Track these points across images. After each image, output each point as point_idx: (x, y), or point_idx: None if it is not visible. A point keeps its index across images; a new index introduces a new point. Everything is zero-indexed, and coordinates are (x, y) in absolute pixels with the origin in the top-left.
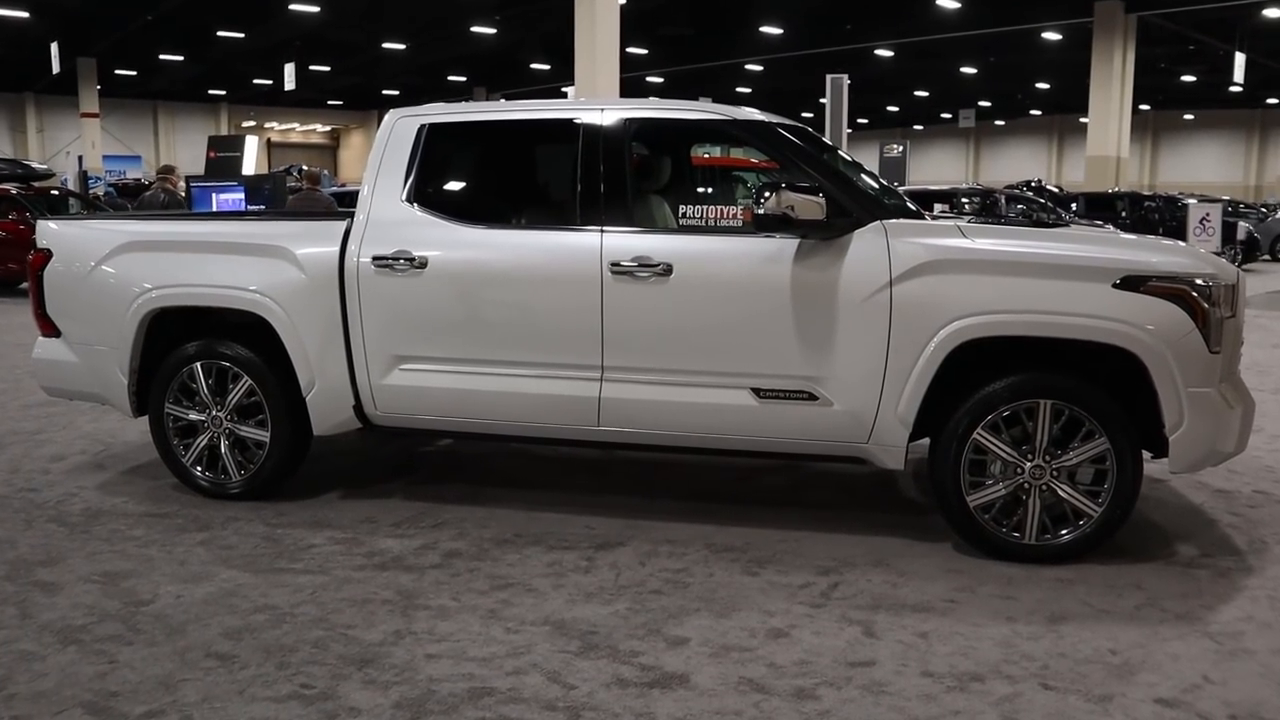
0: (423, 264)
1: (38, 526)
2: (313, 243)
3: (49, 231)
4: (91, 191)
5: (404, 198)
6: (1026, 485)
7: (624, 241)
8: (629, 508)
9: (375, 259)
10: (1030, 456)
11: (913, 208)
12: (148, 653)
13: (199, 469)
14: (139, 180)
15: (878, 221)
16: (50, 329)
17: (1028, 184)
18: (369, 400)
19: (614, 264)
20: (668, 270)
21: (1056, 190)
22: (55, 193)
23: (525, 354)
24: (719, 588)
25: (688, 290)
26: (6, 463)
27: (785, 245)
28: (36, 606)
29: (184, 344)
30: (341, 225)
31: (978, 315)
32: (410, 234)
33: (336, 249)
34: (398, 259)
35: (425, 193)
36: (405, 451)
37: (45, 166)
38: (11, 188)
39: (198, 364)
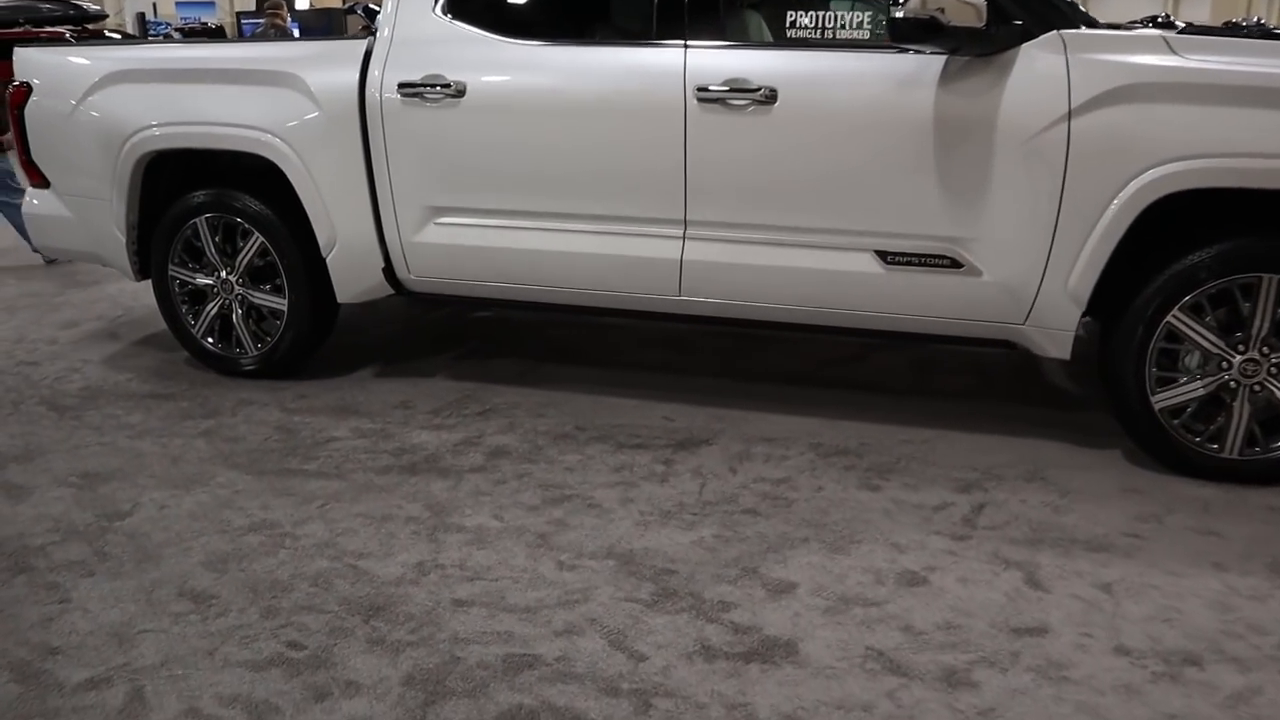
0: (460, 91)
1: (25, 410)
2: (327, 68)
3: (28, 61)
4: (152, 37)
5: (437, 7)
6: (1233, 384)
7: (714, 60)
8: (715, 393)
9: (402, 86)
10: (1242, 348)
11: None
12: (109, 588)
13: (210, 341)
14: (207, 24)
15: (1054, 32)
16: (39, 178)
17: (1152, 19)
18: (400, 262)
19: (701, 89)
20: (770, 97)
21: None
22: (115, 35)
23: (588, 205)
24: (831, 507)
25: (796, 123)
26: (13, 329)
27: (927, 64)
28: None
29: (187, 194)
30: (361, 46)
31: (1190, 159)
32: (445, 54)
33: (355, 75)
34: (430, 86)
35: (463, 1)
36: (453, 318)
37: (98, 8)
38: (65, 30)
39: (201, 219)
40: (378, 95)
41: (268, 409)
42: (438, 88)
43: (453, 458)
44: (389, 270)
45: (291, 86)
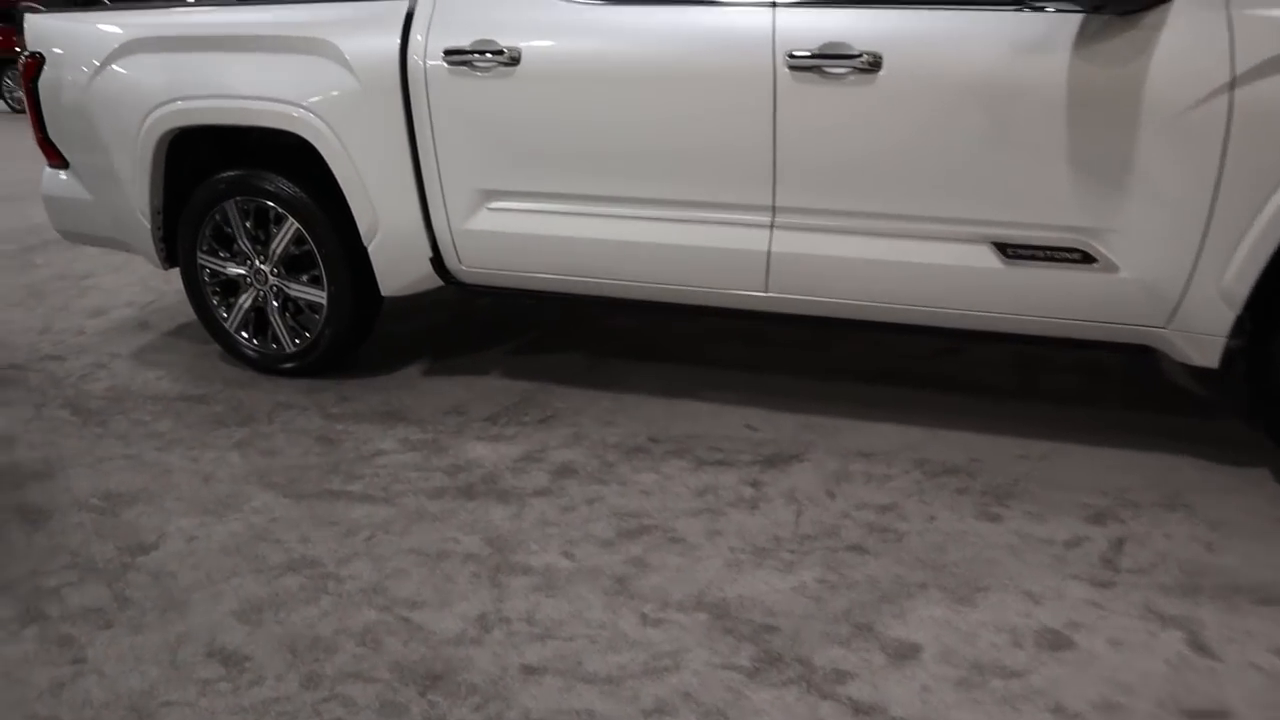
0: (514, 58)
1: (47, 415)
2: (364, 33)
3: (40, 30)
4: None
5: None
6: None
7: (808, 21)
8: (798, 395)
9: (449, 53)
10: None
11: None
12: (129, 645)
13: (244, 335)
14: None
15: None
16: (56, 157)
17: None
18: (450, 251)
19: (792, 55)
20: (874, 64)
21: None
22: None
23: (660, 189)
24: (948, 542)
25: (904, 94)
26: (40, 318)
27: (1061, 24)
28: (6, 551)
29: (214, 175)
30: (403, 7)
31: None
32: (497, 16)
33: (395, 41)
34: (479, 53)
35: None
36: (506, 304)
37: None
38: None
39: (231, 203)
40: (421, 63)
41: (307, 414)
42: (489, 55)
43: (513, 477)
44: (437, 260)
45: (325, 54)
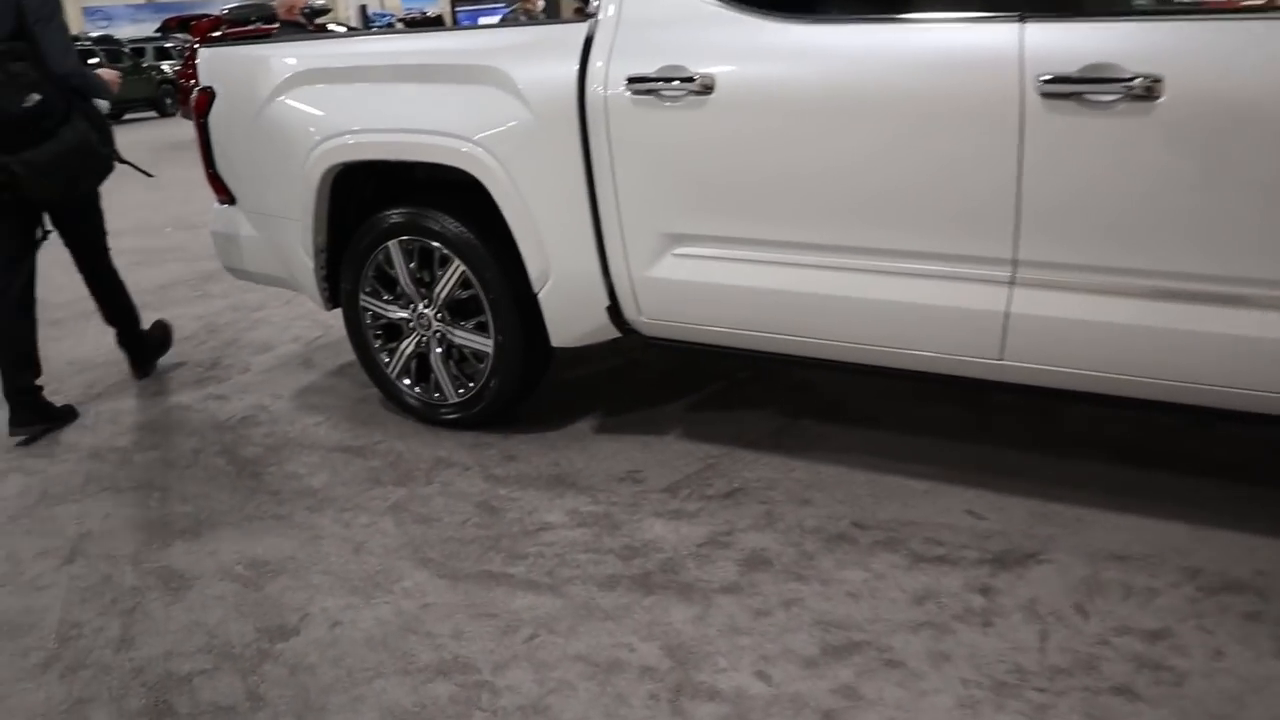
0: (706, 86)
1: (204, 462)
2: (537, 60)
3: (212, 63)
4: (375, 28)
5: None
6: None
7: (1065, 38)
8: (1028, 474)
9: (633, 81)
10: None
11: None
12: None
13: (406, 382)
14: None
15: None
16: (224, 193)
17: None
18: (629, 300)
19: (1046, 79)
20: (1151, 89)
21: None
22: (339, 28)
23: (875, 237)
24: (1245, 693)
25: (1191, 124)
26: (209, 352)
27: None
28: (144, 625)
29: (379, 214)
30: (580, 31)
31: None
32: (687, 37)
33: (573, 69)
34: (667, 80)
35: None
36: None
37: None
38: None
39: (394, 243)
40: (601, 93)
41: (469, 475)
42: (677, 82)
43: (697, 567)
44: (615, 310)
45: (495, 84)
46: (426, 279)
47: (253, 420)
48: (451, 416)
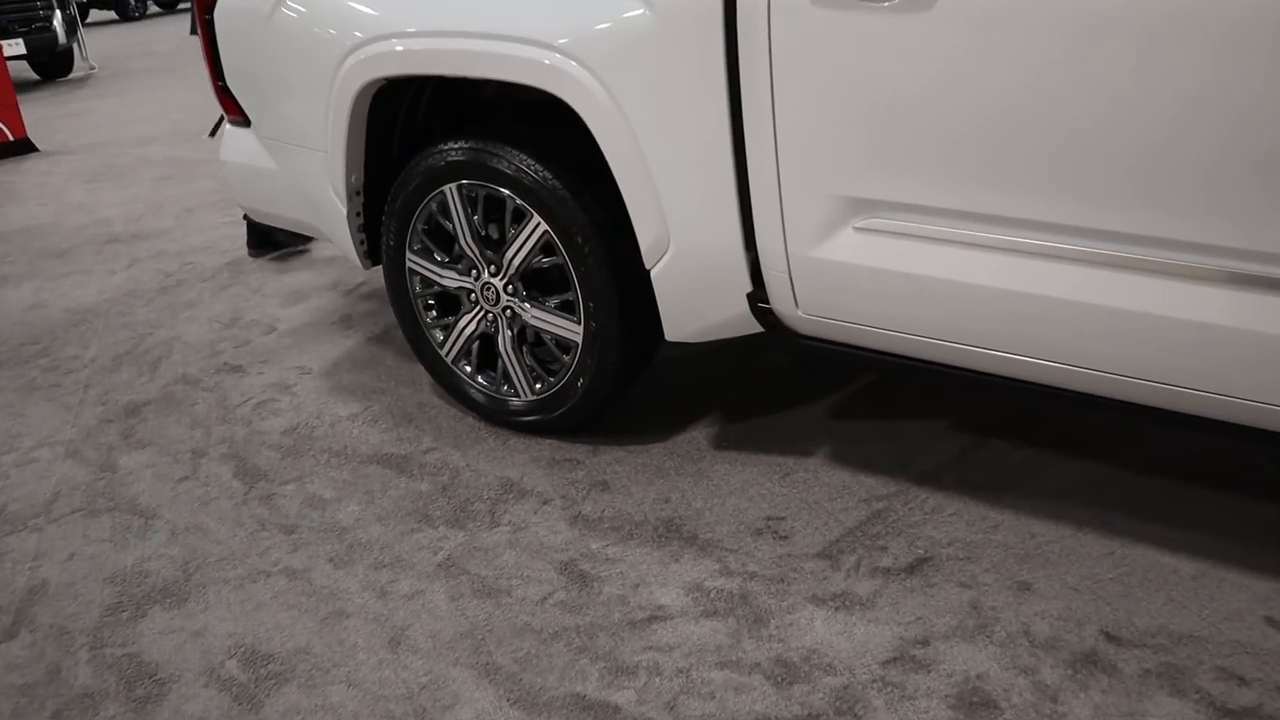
0: None
1: (205, 471)
2: None
3: None
4: None
5: None
6: None
7: None
8: None
9: None
10: None
11: None
12: None
13: (466, 368)
14: None
15: None
16: (236, 111)
17: None
18: (782, 287)
19: None
20: None
21: None
22: None
23: (1181, 225)
24: None
25: None
26: (231, 303)
27: None
28: None
29: (432, 148)
30: None
31: None
32: None
33: None
34: None
35: None
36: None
37: None
38: None
39: (452, 188)
40: None
41: (548, 513)
42: None
43: (888, 708)
44: (759, 297)
45: None
46: (495, 238)
47: (271, 406)
48: (522, 419)
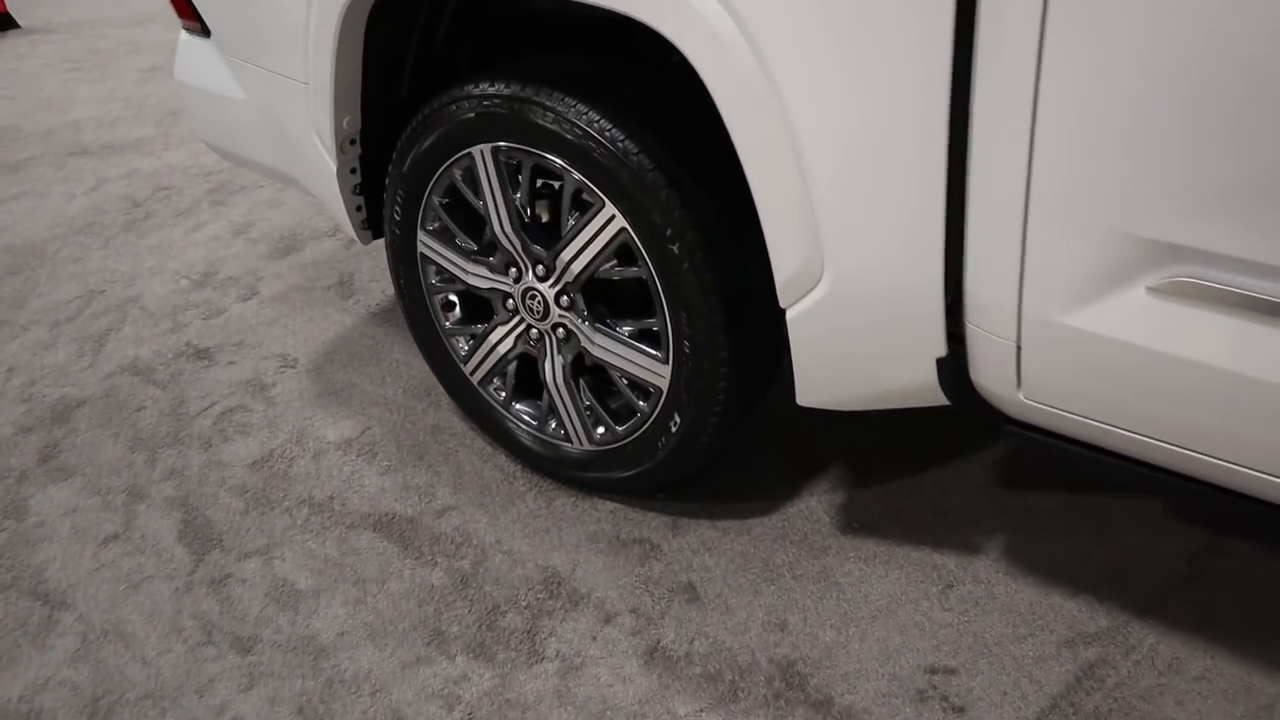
0: None
1: (138, 529)
2: None
3: None
4: None
5: None
6: None
7: None
8: None
9: None
10: None
11: None
12: None
13: (498, 394)
14: None
15: None
16: (191, 16)
17: None
18: (999, 357)
19: None
20: None
21: None
22: None
23: None
24: None
25: None
26: (207, 245)
27: None
28: None
29: (453, 90)
30: None
31: None
32: None
33: None
34: None
35: None
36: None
37: None
38: None
39: (483, 151)
40: None
41: (613, 640)
42: None
43: None
44: (954, 364)
45: None
46: (545, 223)
47: (240, 418)
48: (579, 472)
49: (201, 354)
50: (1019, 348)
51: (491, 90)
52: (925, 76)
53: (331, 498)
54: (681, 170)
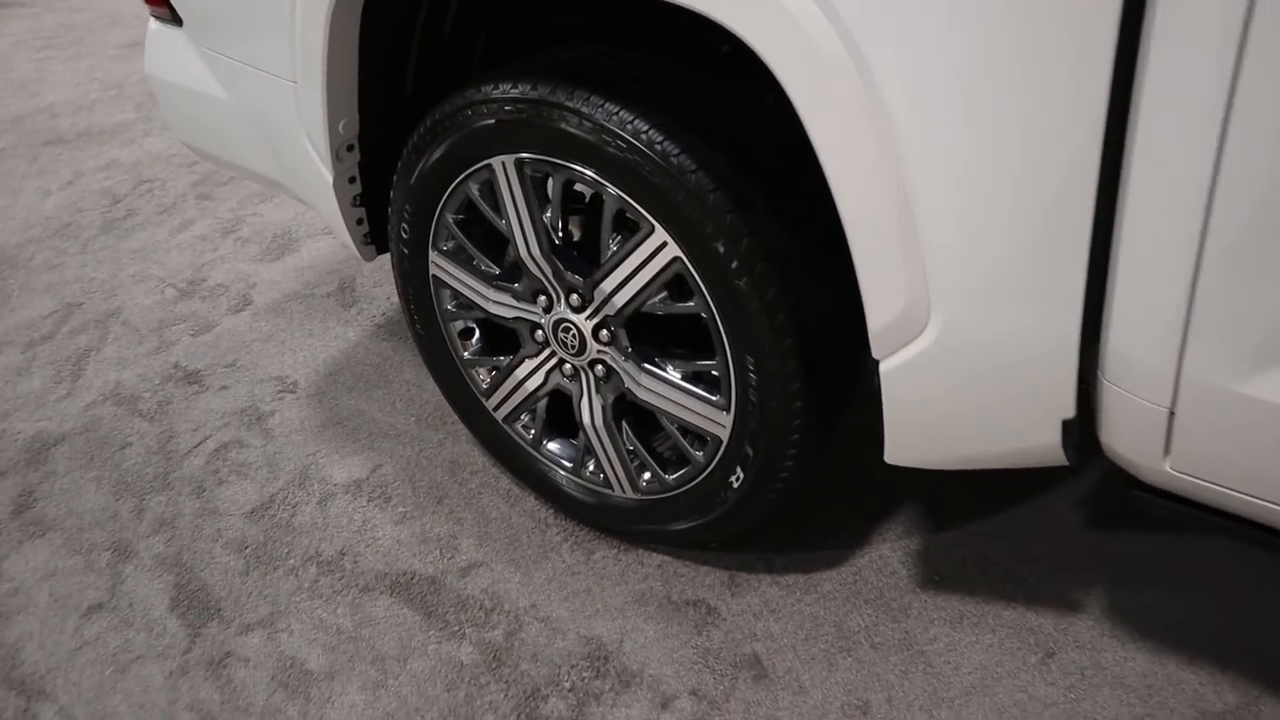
0: None
1: (117, 609)
2: None
3: None
4: None
5: None
6: None
7: None
8: None
9: None
10: None
11: None
12: None
13: (528, 429)
14: None
15: None
16: (161, 2)
17: None
18: (1146, 424)
19: None
20: None
21: None
22: None
23: None
24: None
25: None
26: (193, 249)
27: None
28: None
29: (467, 90)
30: None
31: None
32: None
33: None
34: None
35: None
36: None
37: None
38: None
39: (505, 163)
40: None
41: None
42: None
43: None
44: (1082, 424)
45: None
46: (580, 243)
47: (235, 455)
48: (629, 528)
49: (191, 377)
50: (1172, 413)
51: (515, 93)
52: (1079, 88)
53: (342, 553)
54: (750, 190)
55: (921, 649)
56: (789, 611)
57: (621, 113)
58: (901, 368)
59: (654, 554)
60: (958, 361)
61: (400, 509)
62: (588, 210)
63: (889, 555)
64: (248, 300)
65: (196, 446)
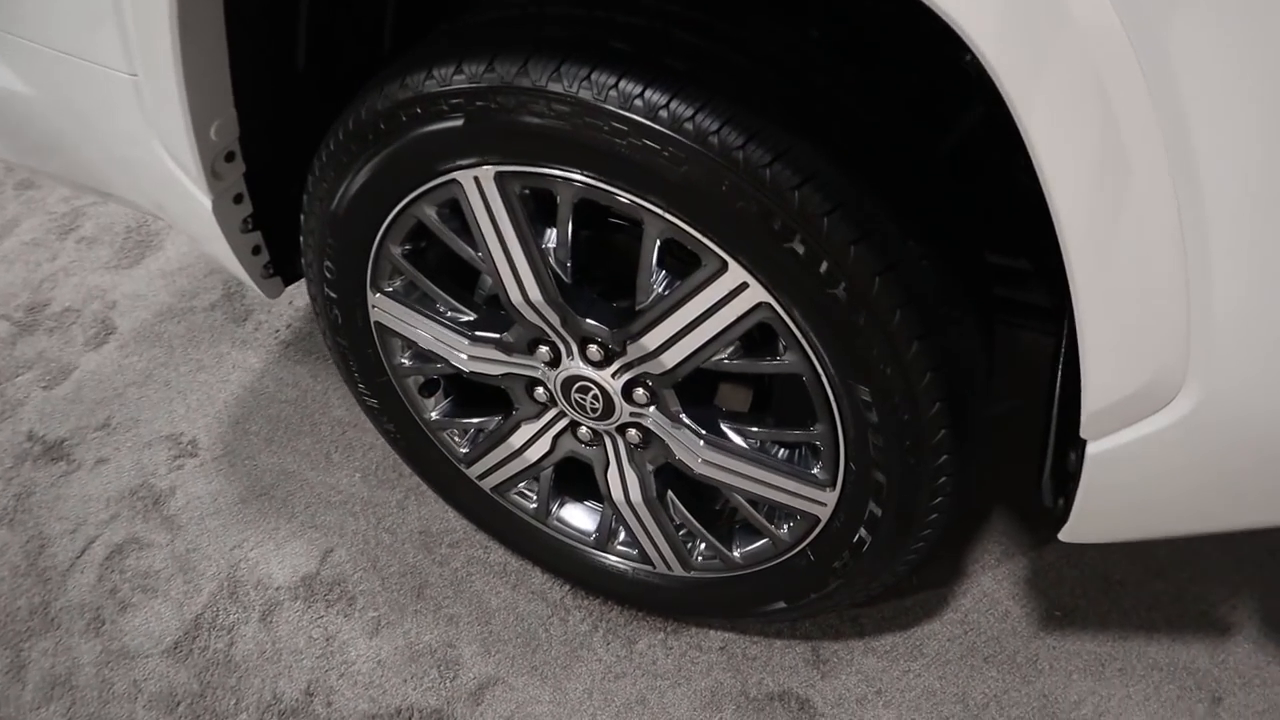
0: None
1: None
2: None
3: None
4: None
5: None
6: None
7: None
8: None
9: None
10: None
11: None
12: None
13: (527, 500)
14: None
15: None
16: None
17: None
18: None
19: None
20: None
21: None
22: None
23: None
24: None
25: None
26: (21, 273)
27: None
28: None
29: (411, 85)
30: None
31: None
32: None
33: None
34: None
35: None
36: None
37: None
38: None
39: (476, 178)
40: None
41: None
42: None
43: None
44: None
45: None
46: (596, 277)
47: (137, 569)
48: (682, 615)
49: (53, 451)
50: None
51: (488, 78)
52: None
53: (309, 692)
54: (882, 210)
55: (1068, 716)
56: (898, 689)
57: (677, 105)
58: (1126, 448)
59: (712, 631)
60: (1208, 439)
61: (371, 612)
62: (604, 228)
63: (994, 590)
64: (109, 327)
65: (80, 557)
